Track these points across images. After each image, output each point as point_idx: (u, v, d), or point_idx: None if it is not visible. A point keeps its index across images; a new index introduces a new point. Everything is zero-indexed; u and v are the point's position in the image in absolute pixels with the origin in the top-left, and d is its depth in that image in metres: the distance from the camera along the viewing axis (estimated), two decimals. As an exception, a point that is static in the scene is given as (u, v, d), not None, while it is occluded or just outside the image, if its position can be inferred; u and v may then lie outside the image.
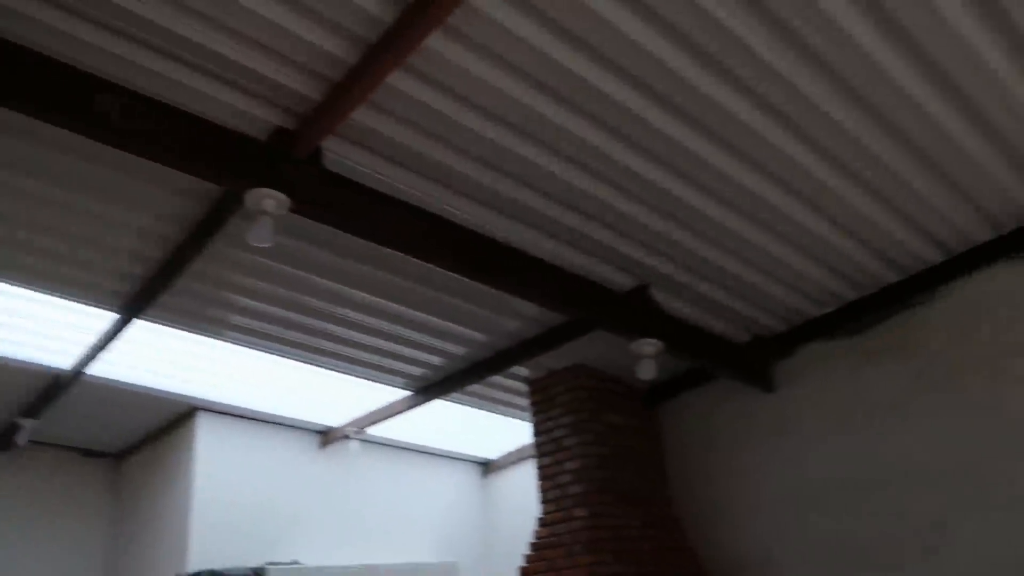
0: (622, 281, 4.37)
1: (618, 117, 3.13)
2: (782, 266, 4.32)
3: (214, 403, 6.06)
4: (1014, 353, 3.93)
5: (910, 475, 4.25)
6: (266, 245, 2.99)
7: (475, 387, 5.79)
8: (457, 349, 5.13)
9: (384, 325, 4.71)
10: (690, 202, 3.70)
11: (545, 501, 5.43)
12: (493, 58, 2.78)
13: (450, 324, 4.75)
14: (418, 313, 4.58)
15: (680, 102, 3.09)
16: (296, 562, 6.18)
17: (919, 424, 4.25)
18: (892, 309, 4.49)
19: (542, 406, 5.64)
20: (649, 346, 4.27)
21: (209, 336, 4.78)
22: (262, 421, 6.44)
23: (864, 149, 3.38)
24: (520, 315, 4.68)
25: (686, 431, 5.65)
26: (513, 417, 6.49)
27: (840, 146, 3.37)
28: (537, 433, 5.63)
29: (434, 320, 4.68)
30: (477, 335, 4.95)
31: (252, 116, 2.96)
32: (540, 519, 5.41)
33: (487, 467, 7.95)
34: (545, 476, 5.48)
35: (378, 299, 4.39)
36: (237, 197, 3.02)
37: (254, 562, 5.94)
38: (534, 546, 5.33)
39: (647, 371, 4.32)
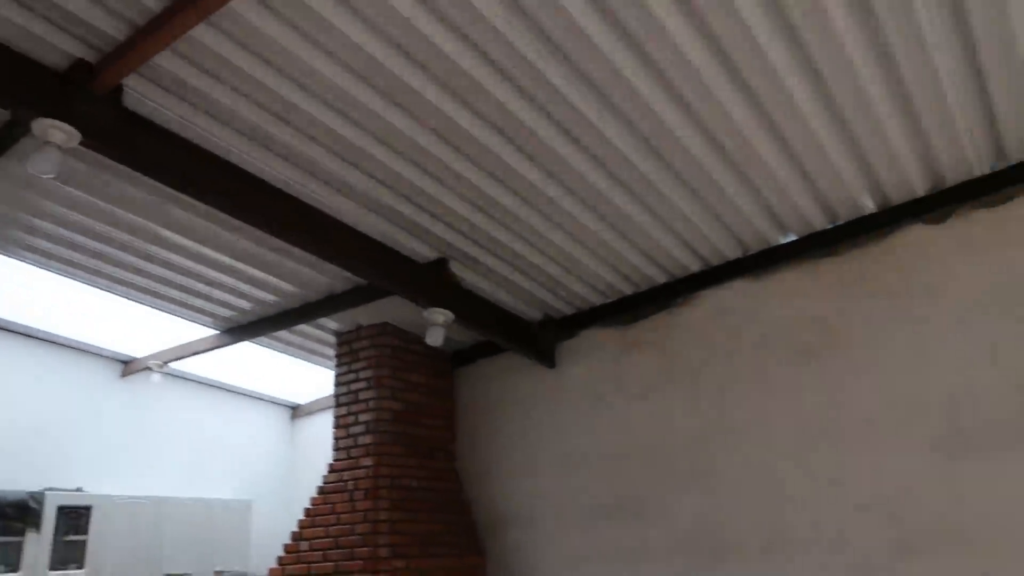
0: (425, 253, 4.69)
1: (428, 113, 3.43)
2: (573, 261, 4.81)
3: (6, 322, 5.87)
4: (739, 356, 4.62)
5: (646, 450, 4.91)
6: (49, 176, 3.03)
7: (284, 334, 5.98)
8: (267, 297, 5.28)
9: (194, 267, 4.79)
10: (495, 196, 4.10)
11: (337, 449, 5.73)
12: (299, 30, 2.97)
13: (261, 273, 4.89)
14: (230, 259, 4.69)
15: (482, 109, 3.42)
16: (80, 489, 6.15)
17: (659, 409, 4.90)
18: (657, 307, 5.11)
19: (346, 359, 5.90)
20: (439, 315, 4.63)
21: (3, 254, 4.66)
22: (60, 345, 6.31)
23: (636, 169, 3.86)
24: (329, 272, 4.89)
25: (479, 395, 6.12)
26: (322, 366, 6.72)
27: (621, 167, 3.85)
28: (338, 384, 5.90)
29: (246, 267, 4.80)
30: (287, 286, 5.12)
31: (52, 46, 2.98)
32: (330, 465, 5.71)
33: (295, 411, 8.14)
34: (340, 425, 5.77)
35: (191, 242, 4.46)
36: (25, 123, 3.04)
37: (34, 487, 5.88)
38: (321, 490, 5.64)
39: (435, 338, 4.69)
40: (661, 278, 5.06)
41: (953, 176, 3.92)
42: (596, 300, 5.39)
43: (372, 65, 3.14)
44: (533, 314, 5.61)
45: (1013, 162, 3.78)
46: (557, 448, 5.48)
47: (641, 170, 3.87)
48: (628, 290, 5.23)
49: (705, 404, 4.72)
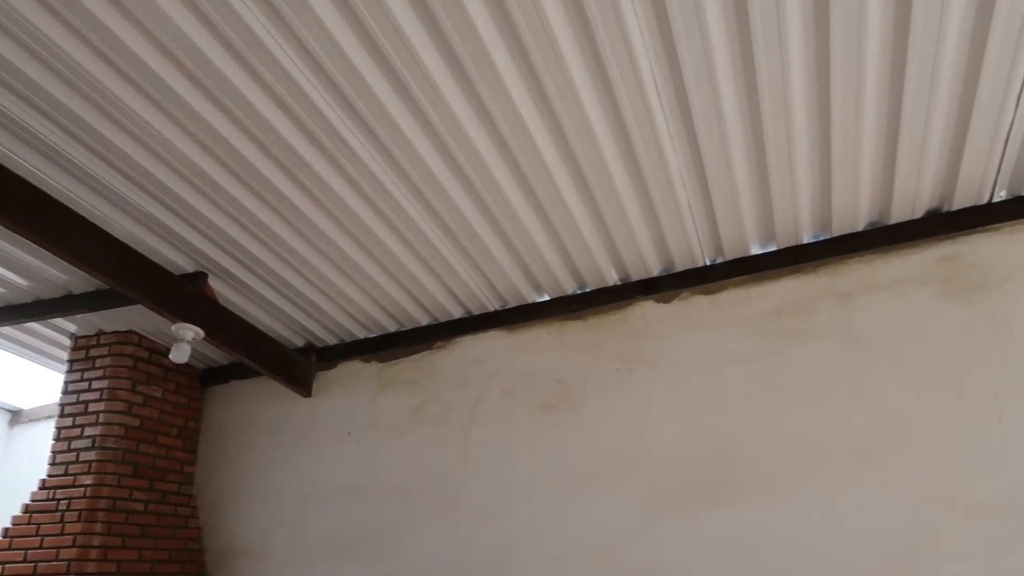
0: (181, 263, 4.47)
1: (196, 124, 3.34)
2: (339, 291, 4.81)
3: None
4: (486, 402, 4.86)
5: (391, 488, 4.98)
6: None
7: (9, 330, 5.36)
8: (-10, 287, 4.73)
9: None
10: (262, 216, 4.03)
11: (54, 464, 5.20)
12: (50, 9, 2.78)
13: (-15, 259, 4.39)
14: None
15: (255, 131, 3.38)
16: None
17: (408, 448, 5.01)
18: (418, 347, 5.24)
19: (79, 365, 5.41)
20: (187, 331, 4.42)
21: None
22: None
23: (407, 214, 4.00)
24: (68, 270, 4.50)
25: (228, 417, 5.86)
26: (53, 369, 6.09)
27: (394, 210, 3.96)
28: (66, 392, 5.39)
29: (-35, 251, 4.29)
30: (16, 278, 4.63)
31: None
32: (42, 481, 5.16)
33: (15, 416, 7.27)
34: (62, 438, 5.26)
35: None
36: None
37: None
38: (25, 508, 5.07)
39: (180, 355, 4.46)
40: (424, 319, 5.20)
41: (681, 263, 4.46)
42: (359, 333, 5.41)
43: (134, 61, 3.01)
44: (294, 340, 5.51)
45: (728, 258, 4.38)
46: (302, 480, 5.38)
47: (412, 216, 4.02)
48: (392, 327, 5.32)
49: (452, 446, 4.89)
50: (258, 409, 5.76)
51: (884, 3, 2.83)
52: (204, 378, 6.00)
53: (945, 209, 3.89)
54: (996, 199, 3.80)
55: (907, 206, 3.88)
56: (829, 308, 4.03)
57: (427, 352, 5.23)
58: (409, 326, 5.30)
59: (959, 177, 3.65)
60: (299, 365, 5.51)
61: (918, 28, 2.89)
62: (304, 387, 5.52)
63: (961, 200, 3.81)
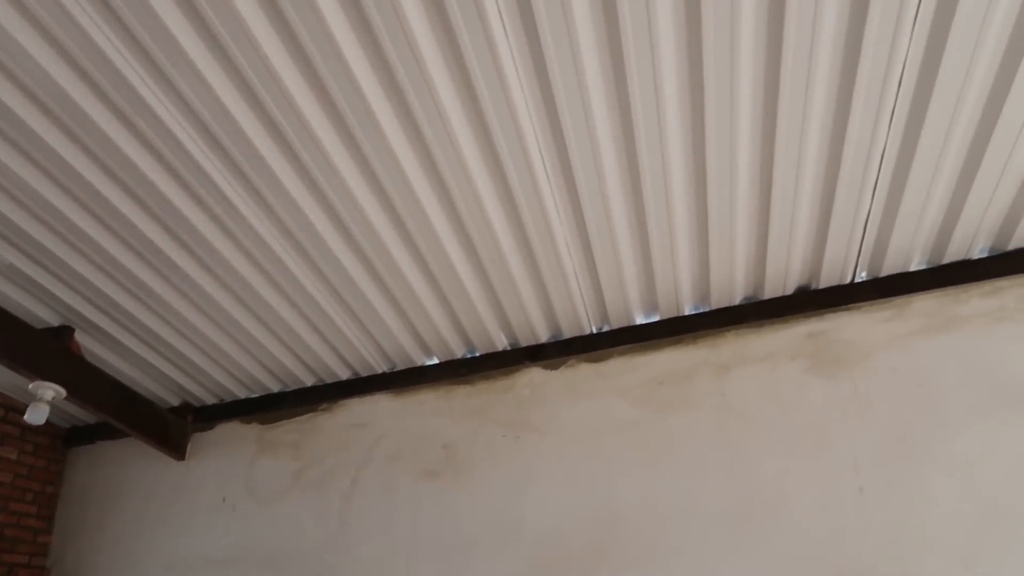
0: (44, 317, 4.20)
1: (63, 172, 3.17)
2: (218, 349, 4.62)
3: None
4: (371, 468, 4.71)
5: (266, 558, 4.72)
6: None
7: None
8: None
9: None
10: (133, 269, 3.86)
11: None
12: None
13: None
14: None
15: (129, 182, 3.25)
16: None
17: (286, 516, 4.78)
18: (301, 409, 5.06)
19: (-79, 424, 4.94)
20: (47, 390, 4.12)
21: None
22: None
23: (293, 275, 3.92)
24: (-87, 320, 4.14)
25: (92, 481, 5.46)
26: None
27: (279, 270, 3.89)
28: (-97, 453, 4.90)
29: None
30: None
31: None
32: None
33: None
34: None
35: None
36: None
37: None
38: None
39: (36, 416, 4.13)
40: (309, 380, 5.04)
41: (569, 330, 4.51)
42: (239, 393, 5.18)
43: (-3, 113, 2.85)
44: (168, 399, 5.22)
45: (614, 327, 4.46)
46: (170, 550, 5.03)
47: (296, 276, 3.94)
48: (275, 387, 5.12)
49: (332, 513, 4.70)
50: (126, 472, 5.39)
51: (753, 95, 3.02)
52: (68, 438, 5.59)
53: (813, 287, 4.12)
54: (858, 279, 4.05)
55: (779, 283, 4.08)
56: (707, 379, 4.15)
57: (311, 414, 5.05)
58: (293, 387, 5.12)
59: (824, 258, 3.88)
60: (173, 426, 5.21)
61: (783, 126, 3.11)
62: (177, 449, 5.21)
63: (827, 279, 4.04)
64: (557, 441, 4.35)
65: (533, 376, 4.62)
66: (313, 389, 5.07)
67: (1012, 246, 3.80)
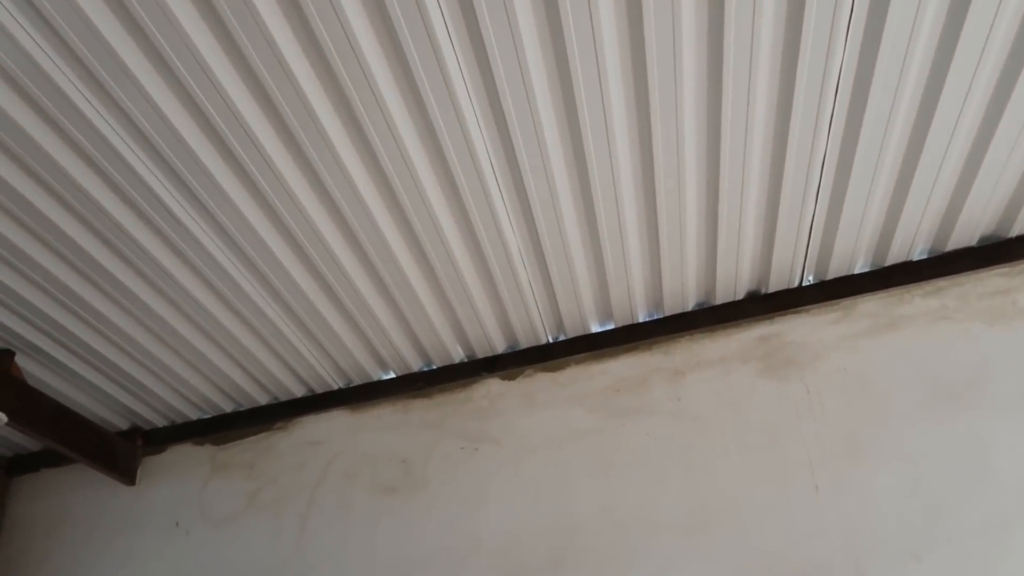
0: (-18, 341, 4.06)
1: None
2: (168, 370, 4.51)
3: None
4: (326, 487, 4.64)
5: (221, 583, 4.61)
6: None
7: None
8: None
9: None
10: (78, 291, 3.77)
11: None
12: None
13: None
14: None
15: (68, 196, 3.17)
16: None
17: (240, 539, 4.67)
18: (255, 428, 4.97)
19: None
20: (-14, 416, 3.97)
21: None
22: None
23: (242, 290, 3.86)
24: None
25: (35, 511, 5.26)
26: None
27: (227, 285, 3.83)
28: None
29: None
30: None
31: None
32: None
33: None
34: None
35: None
36: None
37: None
38: None
39: (-25, 442, 3.98)
40: (264, 399, 4.95)
41: (525, 340, 4.52)
42: (191, 414, 5.06)
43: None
44: (117, 422, 5.07)
45: (570, 336, 4.49)
46: (118, 578, 4.88)
47: (247, 292, 3.89)
48: (228, 407, 5.01)
49: (286, 534, 4.60)
50: (73, 500, 5.20)
51: (698, 107, 3.09)
52: (10, 467, 5.39)
53: (763, 292, 4.20)
54: (805, 283, 4.14)
55: (729, 288, 4.16)
56: (662, 385, 4.20)
57: (266, 434, 4.96)
58: (247, 406, 5.02)
59: (772, 263, 3.96)
60: (122, 450, 5.05)
61: (727, 137, 3.19)
62: (127, 474, 5.06)
63: (776, 284, 4.12)
64: (515, 452, 4.34)
65: (491, 387, 4.61)
66: (268, 408, 4.98)
67: (950, 247, 3.94)
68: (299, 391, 4.89)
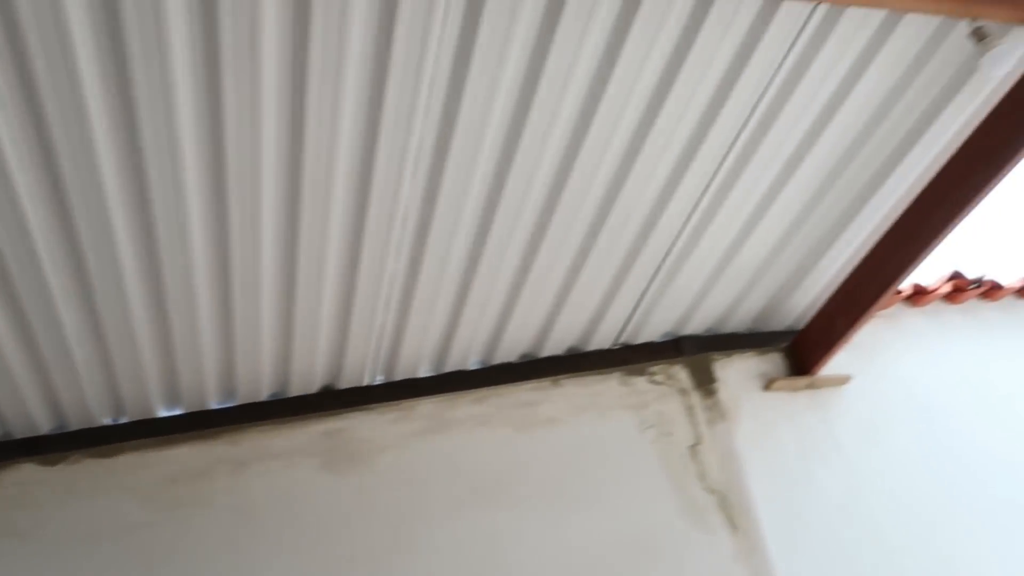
0: None
1: None
2: None
3: None
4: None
5: None
6: None
7: None
8: None
9: None
10: None
11: None
12: None
13: None
14: None
15: None
16: None
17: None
18: None
19: None
20: None
21: None
22: None
23: None
24: None
25: None
26: None
27: None
28: None
29: None
30: None
31: None
32: None
33: None
34: None
35: None
36: None
37: None
38: None
39: None
40: None
41: (77, 422, 4.09)
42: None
43: None
44: None
45: (131, 419, 4.18)
46: None
47: None
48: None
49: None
50: None
51: (278, 209, 3.22)
52: None
53: (336, 387, 4.40)
54: (375, 382, 4.45)
55: (304, 381, 4.28)
56: (224, 476, 4.10)
57: None
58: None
59: (345, 362, 4.20)
60: None
61: (304, 244, 3.38)
62: None
63: (348, 380, 4.36)
64: (41, 548, 3.83)
65: (27, 473, 4.05)
66: None
67: (496, 360, 4.58)
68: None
